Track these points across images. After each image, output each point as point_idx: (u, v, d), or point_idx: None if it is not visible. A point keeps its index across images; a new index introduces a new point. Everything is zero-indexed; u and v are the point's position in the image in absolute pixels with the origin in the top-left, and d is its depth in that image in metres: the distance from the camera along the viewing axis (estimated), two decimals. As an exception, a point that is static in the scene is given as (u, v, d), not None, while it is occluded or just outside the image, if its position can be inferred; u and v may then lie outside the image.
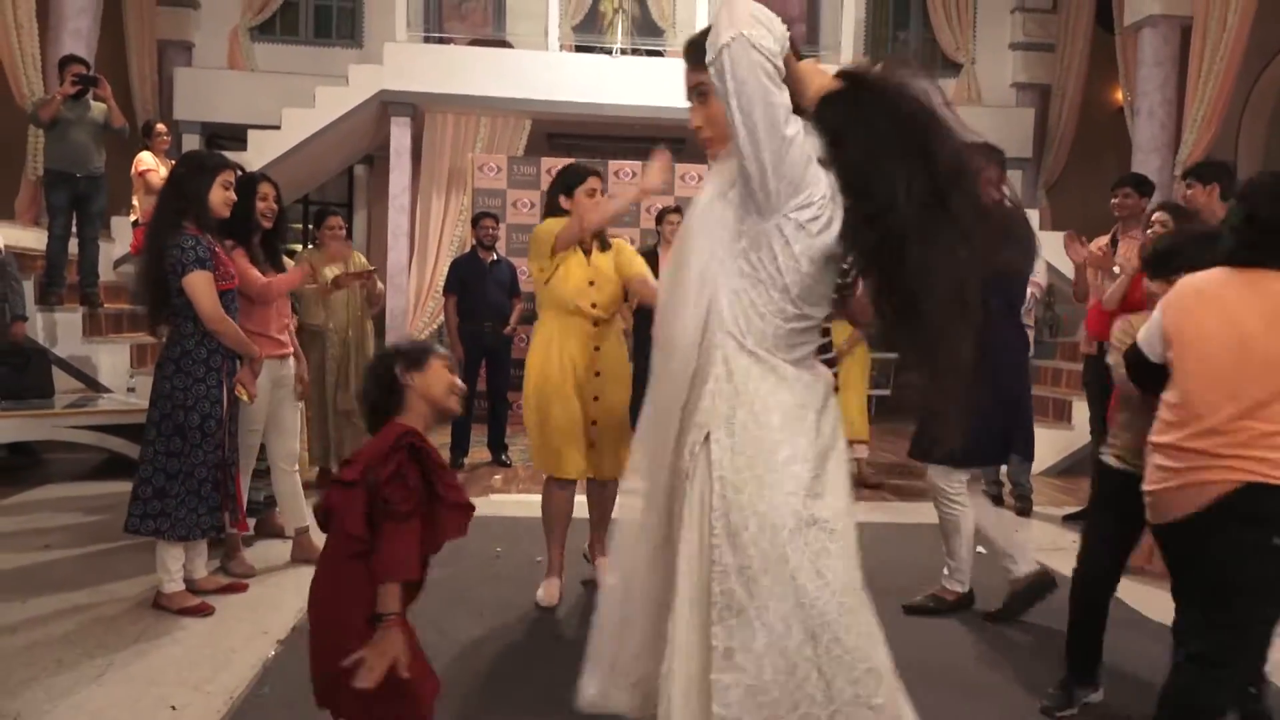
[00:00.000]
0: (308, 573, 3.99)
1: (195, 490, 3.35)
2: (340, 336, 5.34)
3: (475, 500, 4.69)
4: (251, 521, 4.36)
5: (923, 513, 5.35)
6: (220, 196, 3.44)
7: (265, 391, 3.79)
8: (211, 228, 3.46)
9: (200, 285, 3.33)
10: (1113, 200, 5.21)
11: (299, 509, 4.04)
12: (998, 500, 5.71)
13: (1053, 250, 5.53)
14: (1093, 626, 2.88)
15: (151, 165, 6.87)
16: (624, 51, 9.60)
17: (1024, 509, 5.57)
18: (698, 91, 1.93)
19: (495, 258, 6.47)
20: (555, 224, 3.54)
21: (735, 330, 1.82)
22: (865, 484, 6.02)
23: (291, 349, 4.00)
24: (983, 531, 3.68)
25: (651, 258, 6.15)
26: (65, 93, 6.36)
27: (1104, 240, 5.20)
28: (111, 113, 6.60)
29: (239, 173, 3.58)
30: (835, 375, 4.82)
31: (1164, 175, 7.61)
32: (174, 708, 2.66)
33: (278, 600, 3.57)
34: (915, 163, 1.71)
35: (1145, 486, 2.35)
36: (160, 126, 7.16)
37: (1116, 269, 4.88)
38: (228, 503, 3.47)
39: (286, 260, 4.16)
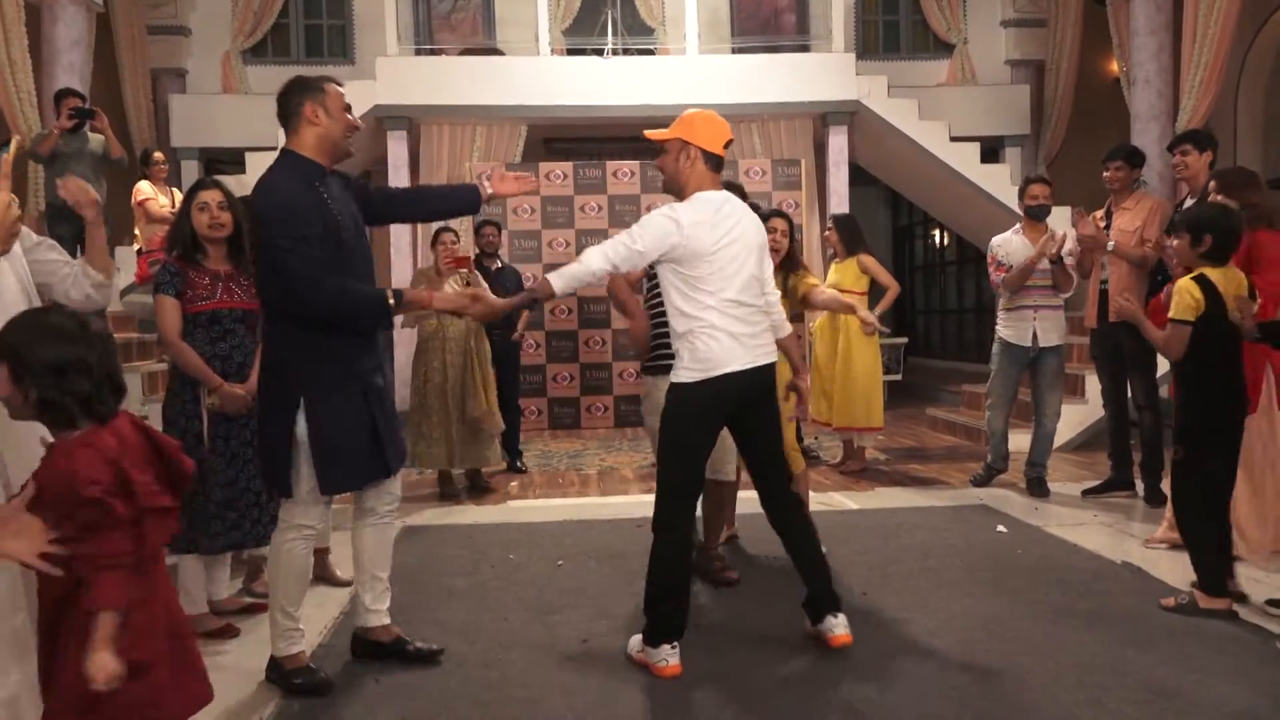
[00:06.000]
0: (328, 592, 3.96)
1: (203, 507, 3.34)
2: (459, 345, 5.52)
3: (492, 508, 4.61)
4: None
5: (942, 496, 5.35)
6: (198, 219, 3.42)
7: None
8: (185, 250, 3.42)
9: (160, 309, 3.38)
10: (1104, 174, 5.16)
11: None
12: (988, 481, 5.58)
13: (1059, 225, 5.51)
14: None
15: (150, 194, 6.88)
16: (615, 52, 9.61)
17: (1038, 490, 5.30)
18: None
19: (499, 265, 6.47)
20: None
21: None
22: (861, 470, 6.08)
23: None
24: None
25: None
26: (62, 126, 6.39)
27: (1099, 213, 5.16)
28: (110, 144, 6.62)
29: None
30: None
31: (1164, 144, 7.56)
32: (205, 731, 2.67)
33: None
34: None
35: None
36: (158, 155, 7.18)
37: (1111, 245, 4.83)
38: (249, 515, 3.45)
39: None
